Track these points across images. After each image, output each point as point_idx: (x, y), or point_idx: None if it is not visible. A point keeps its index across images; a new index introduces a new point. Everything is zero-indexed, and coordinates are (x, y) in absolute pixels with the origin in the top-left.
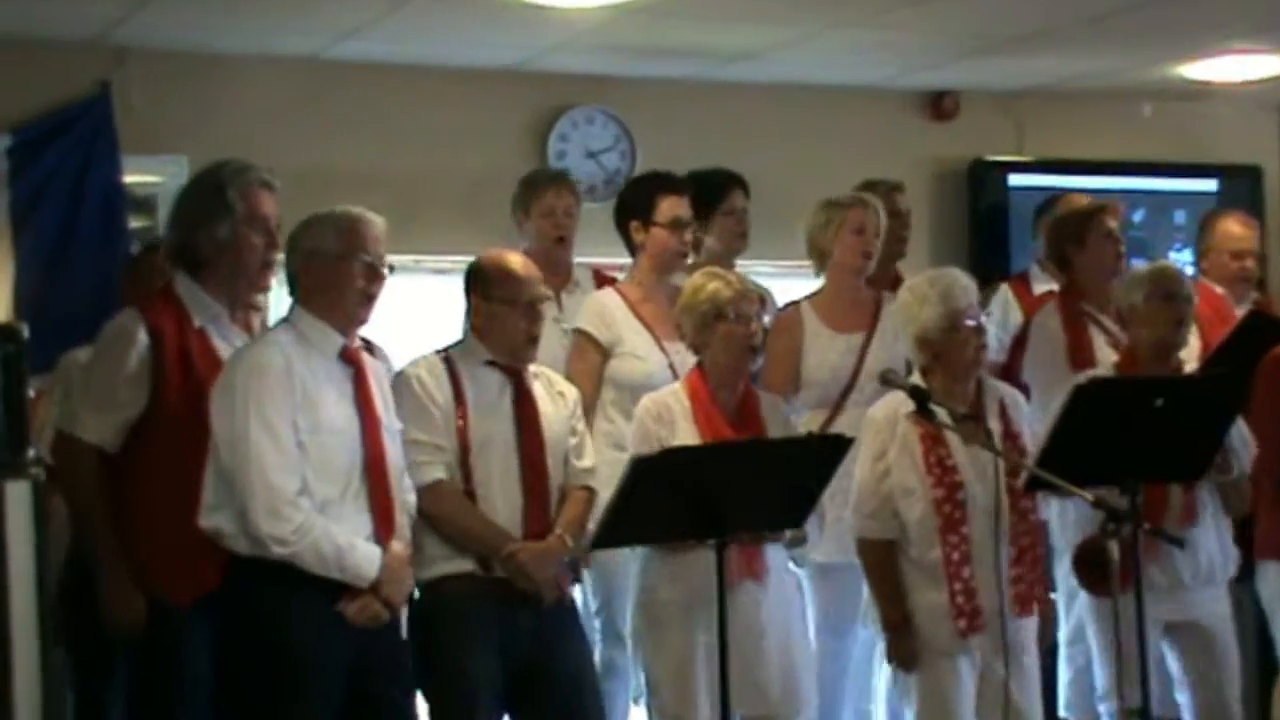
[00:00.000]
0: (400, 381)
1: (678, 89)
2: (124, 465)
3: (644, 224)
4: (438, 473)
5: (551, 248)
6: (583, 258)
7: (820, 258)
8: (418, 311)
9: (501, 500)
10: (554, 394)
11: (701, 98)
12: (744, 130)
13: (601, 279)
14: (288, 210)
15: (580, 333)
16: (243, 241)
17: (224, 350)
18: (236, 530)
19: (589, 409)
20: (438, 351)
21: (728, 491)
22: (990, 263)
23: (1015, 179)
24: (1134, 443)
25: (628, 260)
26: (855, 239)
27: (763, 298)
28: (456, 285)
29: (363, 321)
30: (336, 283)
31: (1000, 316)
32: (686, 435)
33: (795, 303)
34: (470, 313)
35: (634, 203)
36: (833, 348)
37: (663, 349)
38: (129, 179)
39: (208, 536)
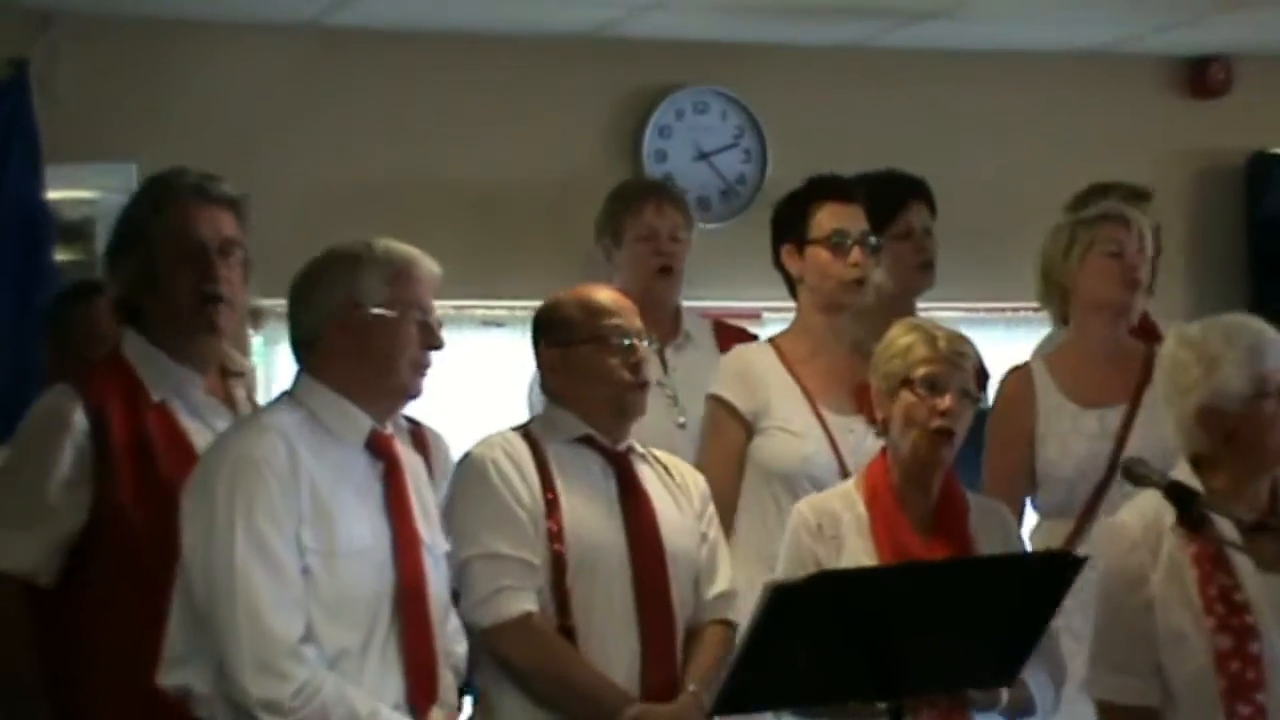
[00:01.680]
0: (469, 470)
1: (825, 62)
2: (59, 602)
3: (798, 246)
4: (527, 602)
5: (652, 284)
6: (692, 301)
7: (1060, 298)
8: (459, 379)
9: (611, 641)
10: (673, 486)
11: (859, 74)
12: (919, 120)
13: (728, 333)
14: (278, 239)
15: (716, 400)
16: (161, 277)
17: (197, 433)
18: (212, 691)
19: (728, 508)
20: (515, 428)
21: (908, 633)
22: (1277, 296)
23: None
24: None
25: (759, 305)
26: (1111, 264)
27: (980, 368)
28: (512, 341)
29: (411, 398)
30: (384, 349)
31: None
32: (860, 556)
33: (1023, 366)
34: (544, 374)
35: (785, 220)
36: (1079, 429)
37: (821, 422)
38: (55, 195)
39: (171, 699)
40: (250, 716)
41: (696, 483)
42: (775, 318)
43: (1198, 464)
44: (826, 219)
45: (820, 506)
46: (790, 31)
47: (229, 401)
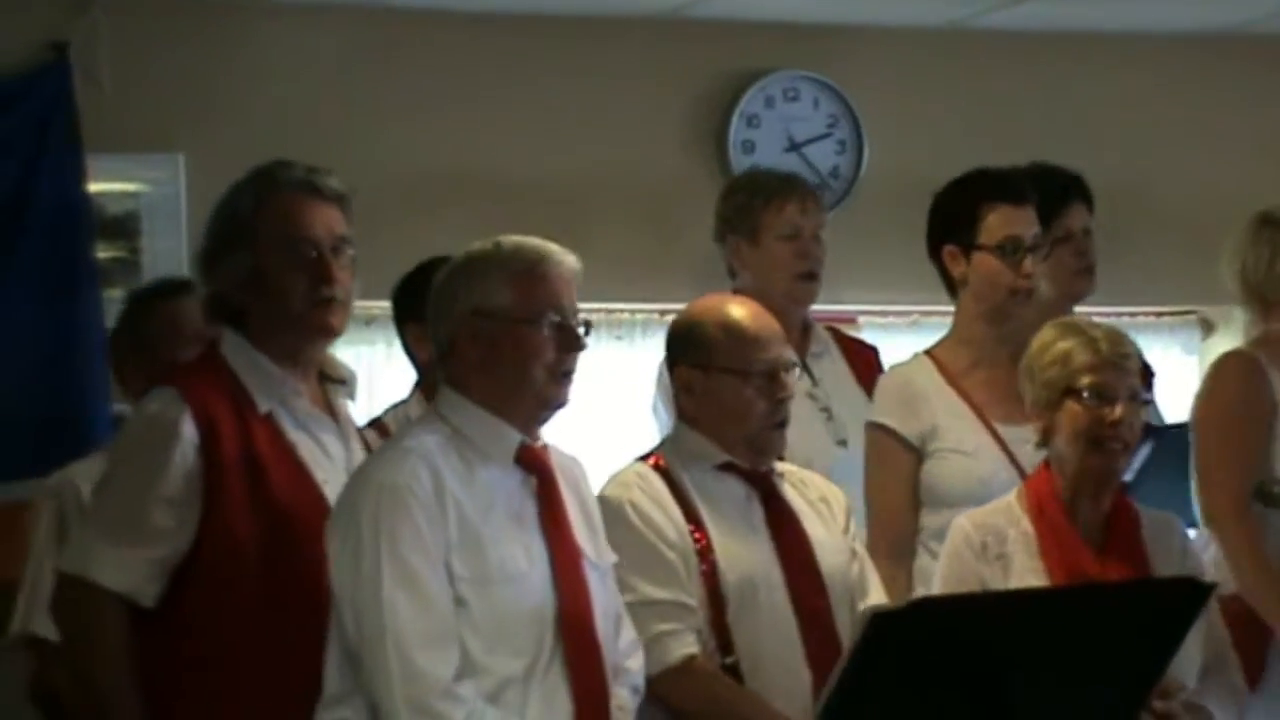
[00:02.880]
0: (607, 513)
1: (926, 44)
2: (164, 627)
3: (963, 249)
4: (688, 645)
5: (793, 289)
6: None
7: (1261, 304)
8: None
9: (780, 673)
10: (815, 502)
11: (963, 57)
12: (1029, 106)
13: (847, 342)
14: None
15: (878, 428)
16: (271, 278)
17: (304, 446)
18: None
19: (907, 542)
20: (641, 459)
21: (1019, 668)
22: None
23: None
24: None
25: (854, 309)
26: None
27: (1146, 368)
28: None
29: (557, 407)
30: (515, 357)
31: None
32: (1028, 576)
33: (1243, 352)
34: (678, 394)
35: (949, 217)
36: None
37: (998, 439)
38: (96, 188)
39: None
40: None
41: (836, 496)
42: (872, 322)
43: None
44: (999, 224)
45: (983, 523)
46: (888, 11)
47: (330, 411)
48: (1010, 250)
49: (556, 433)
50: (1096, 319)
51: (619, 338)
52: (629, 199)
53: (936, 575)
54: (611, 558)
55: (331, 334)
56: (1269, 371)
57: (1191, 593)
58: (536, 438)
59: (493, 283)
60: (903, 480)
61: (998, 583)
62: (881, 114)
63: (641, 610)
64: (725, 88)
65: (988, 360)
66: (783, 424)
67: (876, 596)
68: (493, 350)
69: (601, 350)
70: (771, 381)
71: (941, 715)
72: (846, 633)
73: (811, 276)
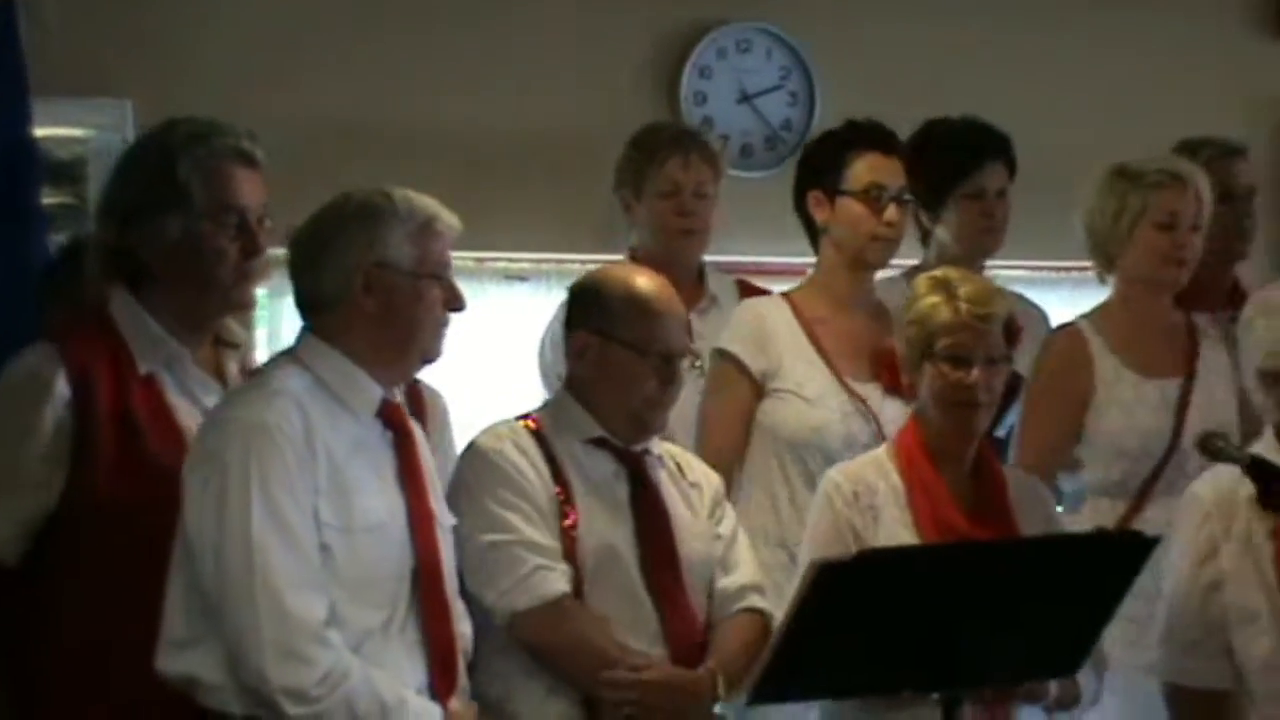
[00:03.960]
0: (480, 458)
1: None
2: (29, 583)
3: (828, 194)
4: (564, 583)
5: (673, 245)
6: (731, 256)
7: (1106, 260)
8: (476, 337)
9: (629, 645)
10: (685, 485)
11: (919, 10)
12: (983, 61)
13: (752, 294)
14: (276, 182)
15: (723, 355)
16: (205, 244)
17: (184, 411)
18: (223, 679)
19: (729, 471)
20: (520, 418)
21: (963, 621)
22: None
23: None
24: None
25: (803, 261)
26: (1161, 238)
27: (1013, 324)
28: (533, 298)
29: (430, 362)
30: (410, 313)
31: None
32: (897, 529)
33: (1072, 326)
34: (571, 356)
35: (816, 164)
36: (1143, 399)
37: (848, 390)
38: (43, 132)
39: (172, 688)
40: (270, 706)
41: (710, 481)
42: None
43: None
44: (864, 170)
45: (854, 474)
46: None
47: (219, 375)
48: (874, 196)
49: (454, 374)
50: (1023, 271)
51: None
52: (582, 149)
53: (808, 528)
54: (452, 520)
55: (251, 308)
56: (1093, 346)
57: (1136, 545)
58: (395, 394)
59: (395, 236)
60: (738, 410)
61: (869, 531)
62: (834, 67)
63: (519, 547)
64: (678, 39)
65: (845, 310)
66: (665, 407)
67: (744, 575)
68: (389, 304)
69: (550, 301)
70: (666, 364)
71: (885, 664)
72: (703, 614)
73: (689, 233)
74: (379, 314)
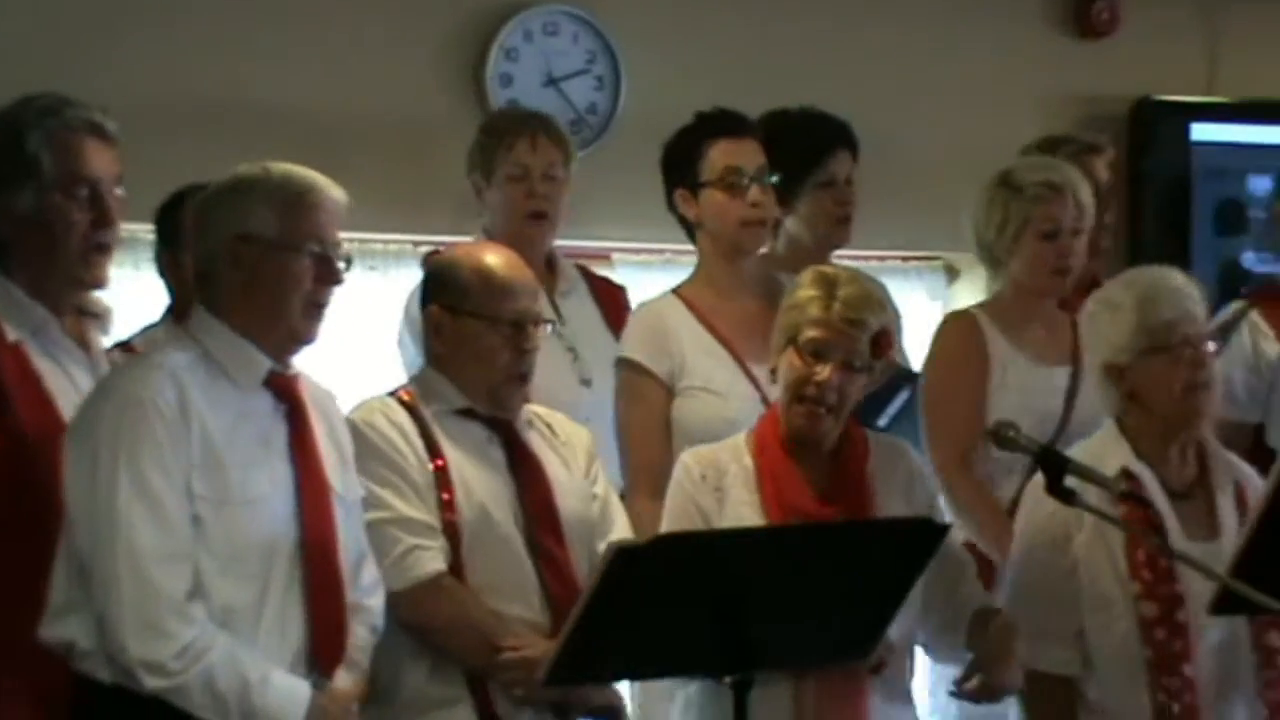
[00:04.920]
0: (352, 435)
1: None
2: None
3: (691, 190)
4: (440, 562)
5: (523, 229)
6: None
7: (993, 265)
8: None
9: (511, 610)
10: (559, 445)
11: None
12: (789, 49)
13: (595, 280)
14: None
15: (627, 364)
16: (54, 216)
17: (51, 375)
18: (95, 646)
19: (663, 479)
20: (390, 394)
21: (759, 604)
22: (1163, 256)
23: (1203, 130)
24: None
25: (609, 245)
26: (1045, 247)
27: (883, 337)
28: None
29: (307, 341)
30: (274, 285)
31: (1246, 352)
32: (743, 510)
33: (966, 313)
34: (427, 332)
35: (674, 163)
36: (1035, 384)
37: (751, 377)
38: None
39: (51, 653)
40: (129, 675)
41: (581, 439)
42: (626, 259)
43: (1121, 425)
44: (719, 157)
45: (706, 457)
46: None
47: (84, 344)
48: (733, 181)
49: (310, 360)
50: (848, 264)
51: (372, 268)
52: (385, 129)
53: (664, 510)
54: (359, 492)
55: (104, 284)
56: (987, 331)
57: (929, 532)
58: (288, 366)
59: (258, 208)
60: (656, 416)
61: (714, 512)
62: (640, 52)
63: (394, 526)
64: (484, 20)
65: (733, 298)
66: (525, 377)
67: (621, 532)
68: (253, 276)
69: (356, 281)
70: (518, 332)
71: (682, 647)
72: (584, 575)
73: (539, 216)
74: (245, 287)
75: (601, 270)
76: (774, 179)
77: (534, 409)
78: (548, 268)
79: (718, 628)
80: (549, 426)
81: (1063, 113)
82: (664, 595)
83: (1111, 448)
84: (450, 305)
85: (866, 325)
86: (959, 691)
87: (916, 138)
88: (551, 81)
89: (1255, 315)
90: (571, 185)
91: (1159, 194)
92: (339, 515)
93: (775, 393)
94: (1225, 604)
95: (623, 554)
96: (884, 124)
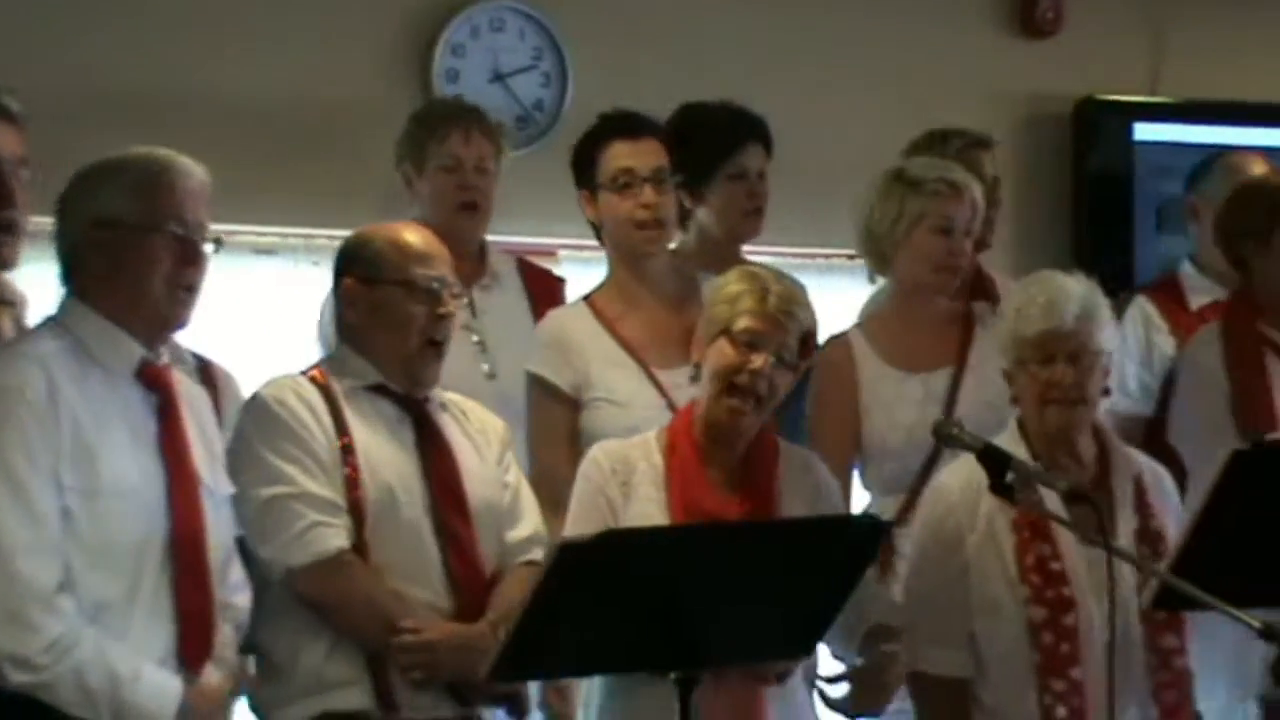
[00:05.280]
0: (261, 410)
1: None
2: None
3: (591, 193)
4: (343, 539)
5: (454, 220)
6: (495, 236)
7: (880, 261)
8: (231, 310)
9: (414, 592)
10: (472, 432)
11: None
12: (736, 47)
13: (534, 273)
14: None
15: (533, 379)
16: None
17: None
18: None
19: (565, 492)
20: (302, 372)
21: (704, 599)
22: (1106, 255)
23: (1145, 129)
24: None
25: (555, 242)
26: (938, 243)
27: (810, 337)
28: (283, 270)
29: (177, 325)
30: (133, 267)
31: (1139, 347)
32: (649, 507)
33: (842, 335)
34: (343, 308)
35: (577, 165)
36: (904, 396)
37: (657, 384)
38: None
39: None
40: None
41: (495, 428)
42: (573, 256)
43: (1021, 424)
44: (613, 159)
45: (615, 452)
46: None
47: None
48: (624, 183)
49: (252, 355)
50: (767, 259)
51: (316, 264)
52: (332, 125)
53: (571, 505)
54: (229, 489)
55: (8, 266)
56: (858, 353)
57: (872, 531)
58: (160, 356)
59: (113, 191)
60: (559, 431)
61: (619, 505)
62: (587, 49)
63: (298, 501)
64: (430, 16)
65: (641, 303)
66: (440, 346)
67: (528, 526)
68: (115, 260)
69: (301, 275)
70: (433, 298)
71: (626, 642)
72: (491, 562)
73: (471, 207)
74: (108, 272)
75: (549, 267)
76: (676, 179)
77: (449, 395)
78: (478, 259)
79: (663, 624)
80: (464, 413)
81: (1006, 111)
82: (609, 591)
83: (1010, 449)
84: (365, 276)
85: (799, 320)
86: (822, 690)
87: (854, 136)
88: (498, 77)
89: (1149, 308)
90: (502, 179)
91: (1102, 193)
92: (208, 511)
93: (683, 397)
94: (1163, 600)
95: (568, 549)
96: (819, 120)
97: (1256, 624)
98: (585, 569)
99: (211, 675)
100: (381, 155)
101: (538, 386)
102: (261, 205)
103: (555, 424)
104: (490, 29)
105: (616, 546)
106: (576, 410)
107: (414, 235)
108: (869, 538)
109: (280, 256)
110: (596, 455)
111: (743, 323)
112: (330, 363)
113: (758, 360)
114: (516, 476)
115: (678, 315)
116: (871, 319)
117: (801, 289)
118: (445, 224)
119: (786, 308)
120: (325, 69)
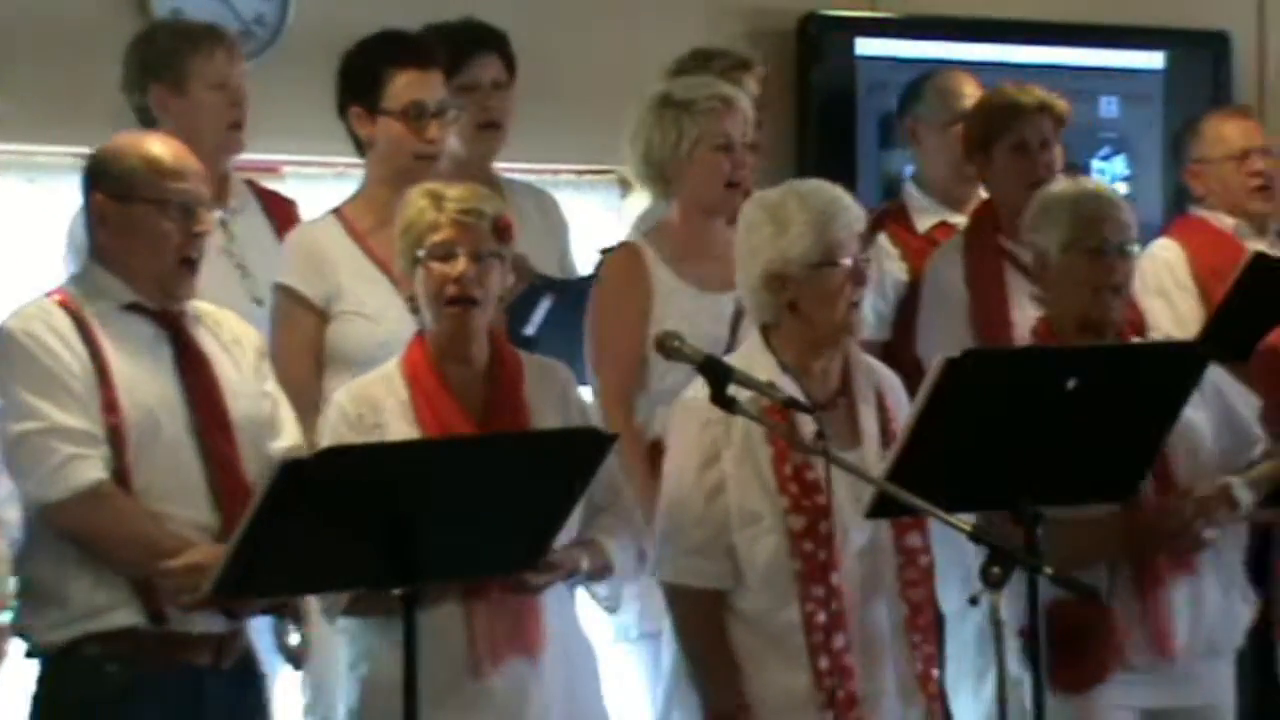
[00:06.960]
0: (7, 343)
1: None
2: None
3: (369, 112)
4: (99, 470)
5: (225, 140)
6: None
7: (662, 184)
8: None
9: (181, 514)
10: (228, 343)
11: None
12: None
13: (268, 196)
14: None
15: (282, 289)
16: None
17: None
18: None
19: (311, 406)
20: (47, 295)
21: (429, 514)
22: (831, 170)
23: (867, 45)
24: (1036, 445)
25: (279, 158)
26: (720, 160)
27: (502, 221)
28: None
29: None
30: None
31: (872, 274)
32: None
33: (629, 244)
34: (92, 225)
35: (355, 79)
36: (701, 311)
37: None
38: None
39: None
40: None
41: (249, 337)
42: (296, 173)
43: (768, 336)
44: (404, 89)
45: (360, 394)
46: None
47: None
48: (414, 115)
49: None
50: (516, 175)
51: (31, 180)
52: (42, 36)
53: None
54: None
55: None
56: (651, 262)
57: (596, 442)
58: None
59: None
60: (305, 343)
61: None
62: None
63: (51, 435)
64: None
65: (393, 221)
66: (193, 263)
67: (288, 438)
68: None
69: (15, 193)
70: (188, 215)
71: (351, 560)
72: (255, 471)
73: (238, 126)
74: None
75: (271, 184)
76: (455, 113)
77: (202, 305)
78: (220, 183)
79: (386, 540)
80: (217, 323)
81: (729, 26)
82: (332, 508)
83: (757, 359)
84: (117, 193)
85: (483, 214)
86: (590, 590)
87: (583, 50)
88: None
89: (881, 237)
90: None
91: (825, 108)
92: None
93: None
94: (880, 508)
95: (289, 467)
96: (550, 36)
97: (966, 527)
98: (308, 485)
99: None
100: (97, 70)
101: (287, 297)
102: None
103: (301, 336)
104: None
105: (339, 463)
106: (324, 323)
107: (165, 149)
108: (593, 449)
109: None
110: (342, 401)
111: (430, 238)
112: (79, 282)
113: (459, 266)
114: (274, 386)
115: None
116: (659, 236)
117: (476, 185)
118: (215, 143)
119: (466, 206)
120: None
